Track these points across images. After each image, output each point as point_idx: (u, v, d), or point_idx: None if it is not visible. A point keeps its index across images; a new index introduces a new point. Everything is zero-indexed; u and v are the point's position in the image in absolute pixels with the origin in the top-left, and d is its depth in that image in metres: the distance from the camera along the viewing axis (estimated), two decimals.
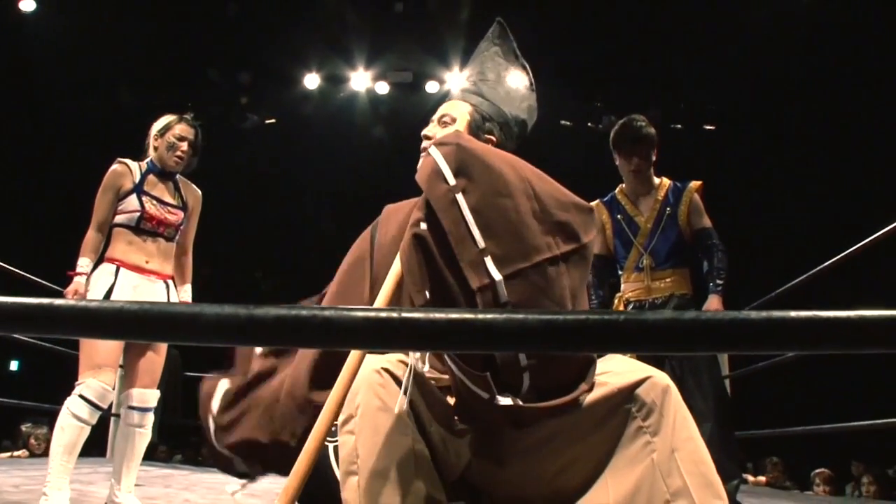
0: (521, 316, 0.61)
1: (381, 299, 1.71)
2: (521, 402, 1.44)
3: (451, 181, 1.53)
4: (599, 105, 9.20)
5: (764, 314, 0.70)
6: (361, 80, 9.44)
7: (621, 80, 9.05)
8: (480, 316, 0.61)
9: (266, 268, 12.24)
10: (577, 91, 9.26)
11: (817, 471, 6.77)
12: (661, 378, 1.54)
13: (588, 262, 1.57)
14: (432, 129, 1.92)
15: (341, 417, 1.54)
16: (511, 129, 1.93)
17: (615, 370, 1.58)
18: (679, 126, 8.76)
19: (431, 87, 9.31)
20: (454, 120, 1.88)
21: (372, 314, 0.60)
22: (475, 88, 1.96)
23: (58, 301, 0.65)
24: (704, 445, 1.50)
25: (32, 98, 9.47)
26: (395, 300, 1.73)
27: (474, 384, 1.45)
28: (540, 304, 1.47)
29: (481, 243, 1.48)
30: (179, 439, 8.97)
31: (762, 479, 7.10)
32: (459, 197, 1.51)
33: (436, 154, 1.59)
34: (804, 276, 4.31)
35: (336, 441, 1.66)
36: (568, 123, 9.34)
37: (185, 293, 3.24)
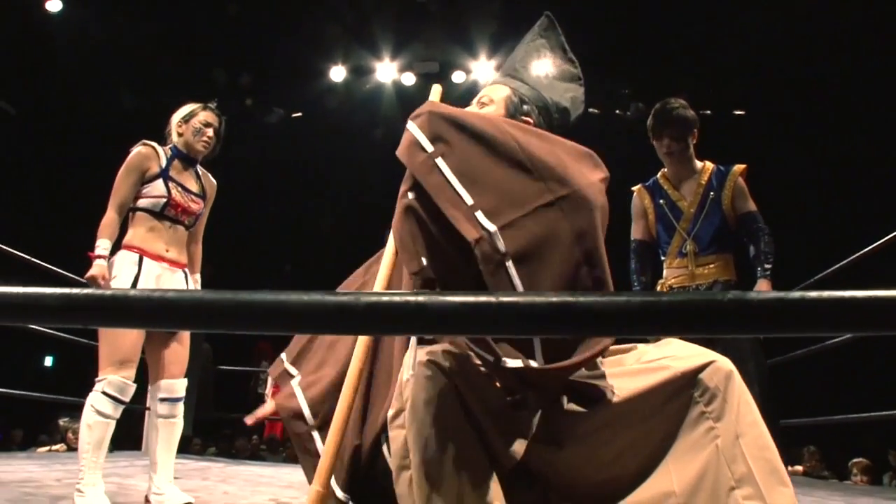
0: (623, 298, 0.58)
1: (380, 282, 1.72)
2: (531, 363, 1.42)
3: (429, 148, 1.56)
4: (627, 92, 9.12)
5: (822, 294, 0.65)
6: (387, 72, 9.39)
7: (649, 67, 8.96)
8: (582, 299, 0.58)
9: (293, 260, 12.26)
10: (605, 78, 9.17)
11: (855, 460, 6.67)
12: (725, 363, 1.51)
13: (592, 205, 1.51)
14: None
15: (391, 412, 1.51)
16: (551, 115, 1.89)
17: (676, 354, 1.55)
18: (708, 112, 8.67)
19: (458, 76, 9.24)
20: (492, 101, 1.86)
21: (470, 298, 0.57)
22: (516, 74, 1.94)
23: (133, 293, 0.62)
24: (768, 431, 1.46)
25: (58, 95, 9.55)
26: (395, 282, 1.74)
27: (478, 347, 1.44)
28: (543, 251, 1.45)
29: (469, 200, 1.49)
30: (213, 432, 9.03)
31: (799, 468, 7.01)
32: (439, 161, 1.54)
33: (411, 127, 1.62)
34: (846, 260, 4.23)
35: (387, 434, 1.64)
36: (595, 111, 9.25)
37: (195, 283, 3.22)
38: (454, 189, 1.50)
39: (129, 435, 5.83)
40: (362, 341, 1.63)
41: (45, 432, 8.83)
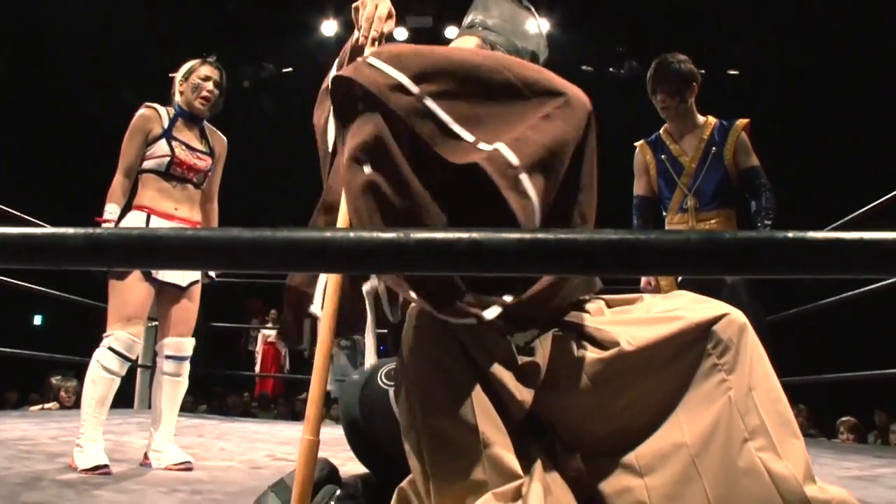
0: (683, 237, 0.55)
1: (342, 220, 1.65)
2: (506, 299, 1.36)
3: (414, 89, 1.40)
4: (621, 50, 9.02)
5: (882, 235, 0.62)
6: None
7: (644, 25, 8.86)
8: (642, 236, 0.55)
9: (288, 218, 12.17)
10: (599, 36, 9.07)
11: (843, 419, 6.77)
12: (738, 316, 1.49)
13: (574, 111, 1.46)
14: None
15: (396, 367, 1.50)
16: (523, 59, 1.83)
17: (688, 306, 1.53)
18: (702, 71, 8.58)
19: (451, 32, 9.03)
20: None
21: (527, 235, 0.54)
22: (479, 24, 1.88)
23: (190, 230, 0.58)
24: (779, 384, 1.46)
25: (44, 53, 9.39)
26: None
27: (450, 314, 1.36)
28: (550, 161, 1.39)
29: (470, 137, 1.39)
30: (204, 389, 9.03)
31: None
32: (430, 103, 1.39)
33: (379, 64, 1.43)
34: (840, 221, 4.23)
35: (392, 385, 1.62)
36: (589, 69, 9.16)
37: None
38: (453, 131, 1.39)
39: (120, 392, 5.82)
40: (333, 280, 1.54)
41: (36, 391, 8.82)
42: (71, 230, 0.63)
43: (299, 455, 1.43)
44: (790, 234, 0.60)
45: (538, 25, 1.95)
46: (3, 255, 0.65)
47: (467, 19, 1.95)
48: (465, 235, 0.55)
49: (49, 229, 0.63)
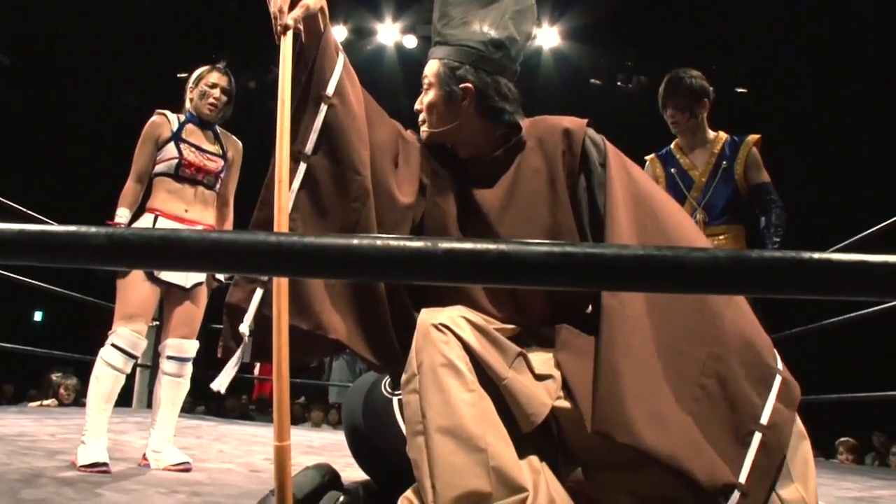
0: (711, 255, 0.55)
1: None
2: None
3: None
4: (630, 64, 9.02)
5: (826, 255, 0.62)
6: (389, 34, 9.19)
7: (653, 40, 8.86)
8: (670, 253, 0.55)
9: None
10: (608, 50, 9.07)
11: (842, 439, 6.74)
12: None
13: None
14: (420, 100, 1.81)
15: (404, 376, 1.49)
16: (491, 60, 1.74)
17: None
18: (710, 88, 8.56)
19: None
20: (430, 83, 1.77)
21: (556, 249, 0.54)
22: (440, 38, 1.80)
23: (234, 234, 0.58)
24: None
25: (54, 46, 9.40)
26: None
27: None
28: None
29: None
30: (202, 391, 9.01)
31: None
32: None
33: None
34: (850, 239, 4.22)
35: (400, 395, 1.62)
36: (598, 82, 9.15)
37: None
38: None
39: (120, 390, 5.82)
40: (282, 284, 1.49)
41: (34, 387, 8.82)
42: (93, 229, 0.62)
43: (275, 463, 1.40)
44: (815, 255, 0.60)
45: None
46: (23, 252, 0.65)
47: (433, 27, 1.86)
48: (493, 247, 0.54)
49: (71, 227, 0.63)
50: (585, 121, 1.77)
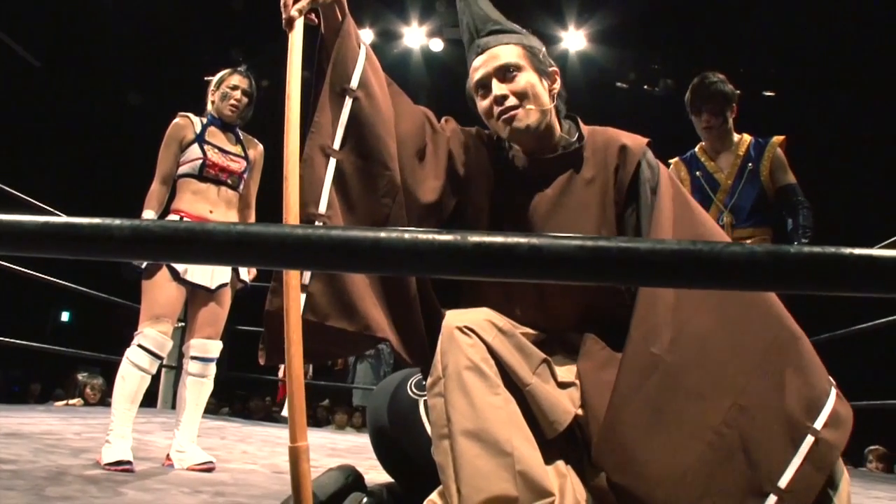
0: (759, 250, 0.53)
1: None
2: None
3: None
4: (656, 68, 8.96)
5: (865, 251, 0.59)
6: (416, 37, 9.19)
7: (679, 43, 8.80)
8: (706, 248, 0.53)
9: None
10: (634, 53, 9.02)
11: (871, 447, 6.63)
12: None
13: None
14: (500, 88, 1.66)
15: (429, 380, 1.47)
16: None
17: None
18: (738, 92, 8.49)
19: None
20: (518, 67, 1.66)
21: (588, 242, 0.52)
22: (497, 26, 1.72)
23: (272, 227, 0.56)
24: None
25: (82, 47, 9.51)
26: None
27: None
28: None
29: None
30: (227, 392, 9.06)
31: None
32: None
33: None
34: (882, 244, 4.16)
35: (424, 395, 1.61)
36: (624, 86, 9.11)
37: None
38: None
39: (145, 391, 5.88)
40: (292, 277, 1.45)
41: (60, 386, 8.91)
42: (117, 221, 0.62)
43: (290, 464, 1.36)
44: (856, 251, 0.58)
45: None
46: (47, 244, 0.64)
47: (479, 24, 1.75)
48: (524, 240, 0.53)
49: (95, 219, 0.62)
50: (646, 140, 1.71)
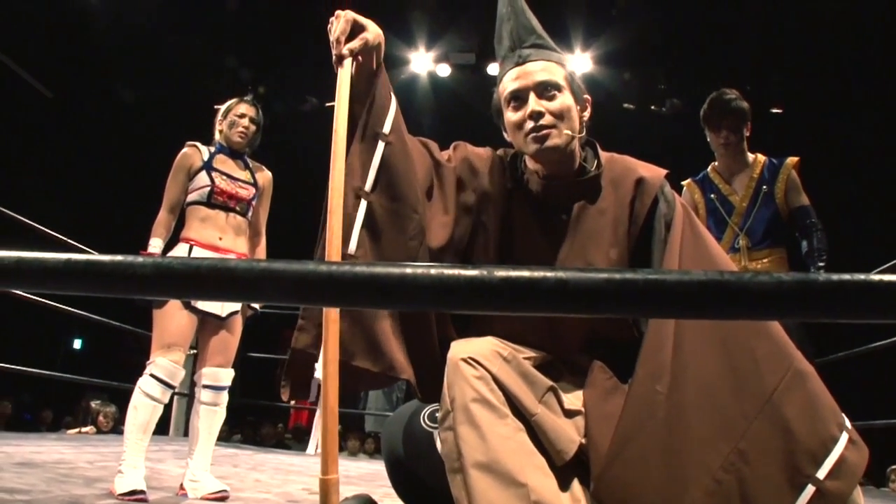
0: (777, 278, 0.53)
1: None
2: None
3: None
4: (663, 88, 8.98)
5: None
6: (423, 62, 9.21)
7: (685, 62, 8.82)
8: (734, 278, 0.52)
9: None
10: (641, 73, 9.04)
11: (893, 467, 6.56)
12: None
13: None
14: (538, 104, 1.62)
15: (439, 413, 1.46)
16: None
17: None
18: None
19: (495, 69, 9.04)
20: (559, 87, 1.64)
21: (616, 275, 0.52)
22: (539, 40, 1.70)
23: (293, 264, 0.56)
24: None
25: (93, 79, 9.60)
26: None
27: None
28: None
29: None
30: (238, 419, 9.04)
31: None
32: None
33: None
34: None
35: (435, 427, 1.59)
36: (631, 106, 9.12)
37: None
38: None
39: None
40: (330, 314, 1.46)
41: (70, 413, 8.91)
42: (140, 259, 0.62)
43: (320, 497, 1.37)
44: (885, 278, 0.57)
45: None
46: (70, 282, 0.64)
47: (522, 41, 1.71)
48: (550, 274, 0.52)
49: (118, 257, 0.62)
50: (664, 172, 1.70)
